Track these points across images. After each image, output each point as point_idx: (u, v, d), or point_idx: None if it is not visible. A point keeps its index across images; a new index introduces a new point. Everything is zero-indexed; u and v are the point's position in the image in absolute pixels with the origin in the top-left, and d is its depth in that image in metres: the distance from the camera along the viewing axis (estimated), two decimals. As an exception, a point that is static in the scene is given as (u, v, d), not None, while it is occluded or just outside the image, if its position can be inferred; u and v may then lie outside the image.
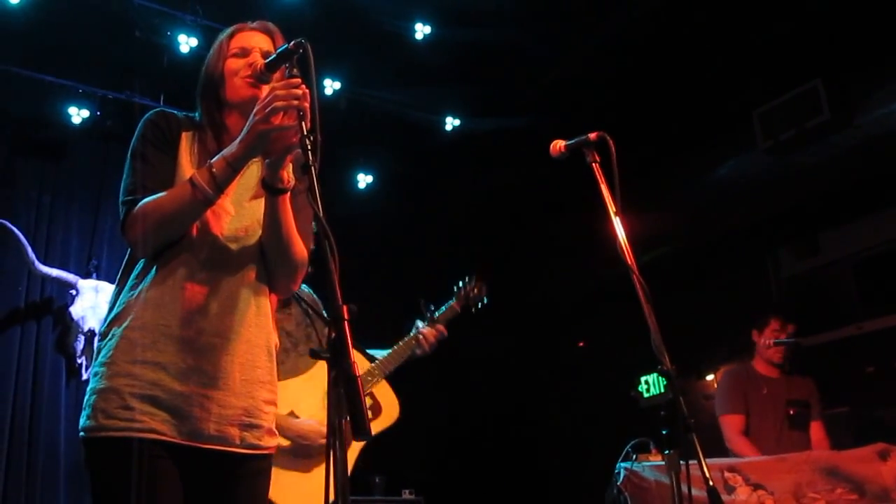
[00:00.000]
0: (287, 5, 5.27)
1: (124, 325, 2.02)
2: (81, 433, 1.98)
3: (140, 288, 2.05)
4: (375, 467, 5.69)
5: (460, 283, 4.05)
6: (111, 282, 5.71)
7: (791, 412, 4.68)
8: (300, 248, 2.16)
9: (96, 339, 5.50)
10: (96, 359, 2.04)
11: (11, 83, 5.37)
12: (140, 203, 2.02)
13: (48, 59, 5.47)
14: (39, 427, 5.44)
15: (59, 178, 6.02)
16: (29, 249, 5.52)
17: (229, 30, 2.30)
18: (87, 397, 2.00)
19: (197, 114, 2.27)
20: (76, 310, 5.57)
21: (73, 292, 5.62)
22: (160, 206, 2.00)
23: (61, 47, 5.44)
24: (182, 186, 2.01)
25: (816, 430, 4.70)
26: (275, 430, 2.17)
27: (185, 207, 2.00)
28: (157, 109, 2.24)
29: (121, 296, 2.09)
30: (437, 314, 3.87)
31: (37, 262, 5.54)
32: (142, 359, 1.98)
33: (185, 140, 2.18)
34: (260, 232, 2.16)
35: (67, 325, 5.67)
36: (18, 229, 5.53)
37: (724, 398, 4.81)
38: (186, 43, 5.36)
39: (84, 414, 1.99)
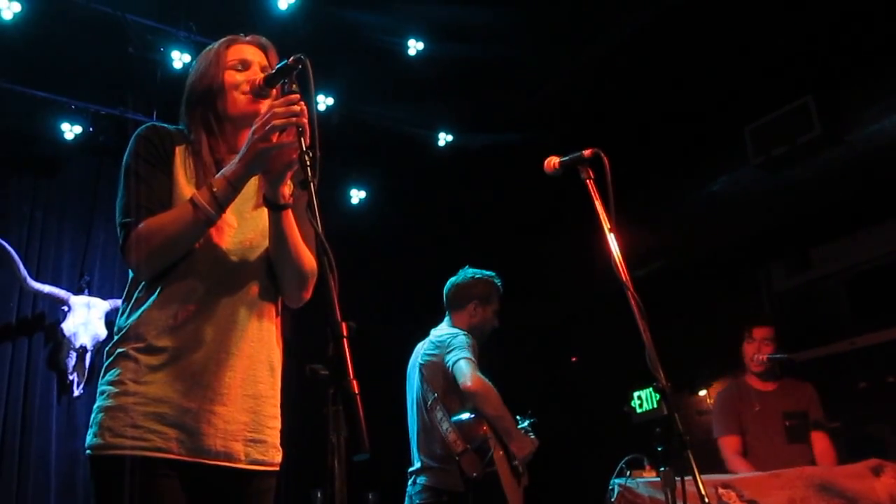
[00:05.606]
0: (280, 21, 5.28)
1: (130, 344, 2.00)
2: (88, 451, 1.96)
3: (144, 307, 2.03)
4: (368, 484, 5.67)
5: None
6: (103, 298, 5.72)
7: (788, 424, 4.57)
8: (308, 258, 2.14)
9: (88, 356, 5.53)
10: (103, 377, 2.02)
11: (4, 98, 5.36)
12: (139, 225, 1.99)
13: (41, 74, 5.47)
14: (30, 443, 5.41)
15: (52, 194, 6.00)
16: (21, 265, 5.50)
17: (223, 40, 2.26)
18: (93, 415, 1.98)
19: (183, 125, 2.22)
20: (68, 326, 5.55)
21: (65, 308, 5.60)
22: (161, 228, 1.98)
23: (54, 63, 5.44)
24: (183, 207, 1.98)
25: (818, 440, 4.52)
26: (279, 446, 2.15)
27: (186, 229, 1.97)
28: (149, 124, 2.18)
29: (126, 315, 2.07)
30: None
31: (28, 279, 5.52)
32: (148, 378, 1.97)
33: (179, 155, 2.13)
34: (264, 243, 2.14)
35: (59, 342, 5.65)
36: (10, 245, 5.51)
37: (718, 420, 4.77)
38: (180, 59, 5.37)
39: (91, 432, 1.97)
